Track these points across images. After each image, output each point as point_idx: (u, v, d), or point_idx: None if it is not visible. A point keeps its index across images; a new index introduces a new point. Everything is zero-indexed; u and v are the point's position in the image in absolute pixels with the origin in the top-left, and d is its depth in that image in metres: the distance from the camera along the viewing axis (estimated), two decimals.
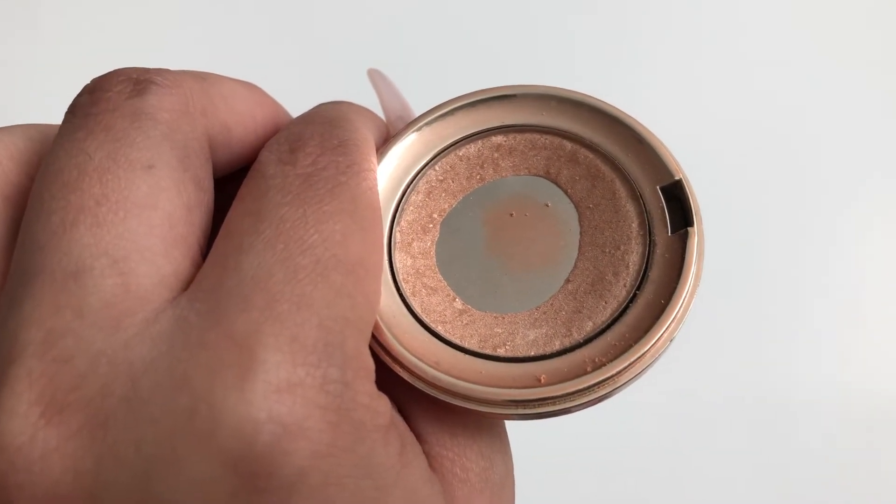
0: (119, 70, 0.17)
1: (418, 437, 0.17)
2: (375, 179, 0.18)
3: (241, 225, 0.16)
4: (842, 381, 0.46)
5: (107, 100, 0.16)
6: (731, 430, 0.46)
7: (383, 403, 0.15)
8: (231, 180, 0.19)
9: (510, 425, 0.19)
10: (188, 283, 0.16)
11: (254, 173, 0.17)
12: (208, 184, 0.18)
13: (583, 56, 0.51)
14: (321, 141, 0.17)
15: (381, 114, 0.22)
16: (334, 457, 0.14)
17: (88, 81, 0.17)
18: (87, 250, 0.15)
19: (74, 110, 0.17)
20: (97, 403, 0.14)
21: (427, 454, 0.17)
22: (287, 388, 0.14)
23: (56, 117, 0.19)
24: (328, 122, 0.18)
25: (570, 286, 0.19)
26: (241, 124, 0.19)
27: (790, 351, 0.47)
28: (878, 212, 0.49)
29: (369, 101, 0.21)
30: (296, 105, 0.21)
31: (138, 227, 0.15)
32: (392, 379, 0.18)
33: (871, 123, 0.50)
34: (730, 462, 0.45)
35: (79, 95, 0.17)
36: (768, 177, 0.49)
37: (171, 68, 0.18)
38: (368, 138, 0.18)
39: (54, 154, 0.16)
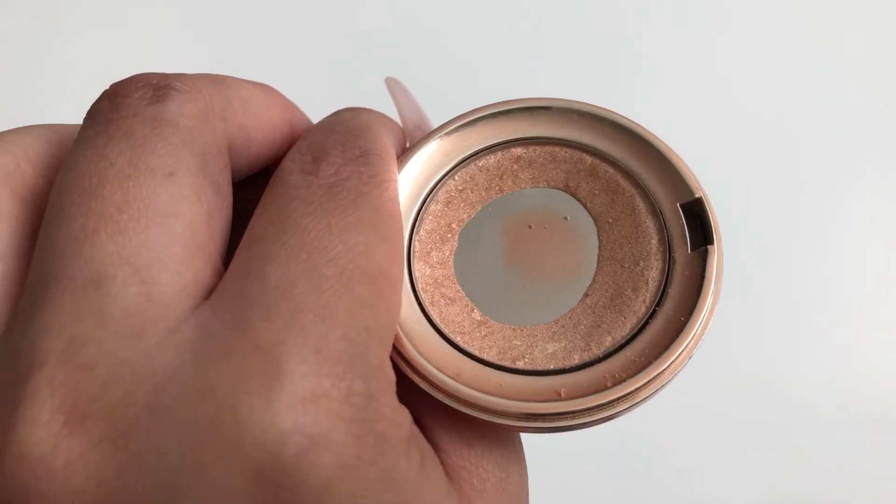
0: (138, 76, 0.17)
1: (435, 447, 0.17)
2: (397, 190, 0.18)
3: (264, 234, 0.16)
4: (853, 387, 0.47)
5: (127, 106, 0.16)
6: (737, 434, 0.46)
7: (405, 416, 0.15)
8: (247, 185, 0.19)
9: (524, 435, 0.19)
10: (209, 292, 0.15)
11: (277, 181, 0.17)
12: (227, 189, 0.17)
13: (606, 69, 0.51)
14: (343, 151, 0.17)
15: (398, 121, 0.22)
16: (359, 469, 0.14)
17: (108, 87, 0.17)
18: (108, 258, 0.14)
19: (94, 116, 0.16)
20: (120, 412, 0.14)
21: (444, 464, 0.17)
22: (312, 399, 0.14)
23: (63, 117, 0.19)
24: (350, 131, 0.18)
25: (588, 300, 0.19)
26: (259, 127, 0.19)
27: (814, 365, 0.47)
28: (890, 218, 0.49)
29: (386, 108, 0.21)
30: (314, 110, 0.21)
31: (160, 235, 0.15)
32: (410, 389, 0.17)
33: (889, 132, 0.50)
34: (733, 464, 0.46)
35: (98, 101, 0.17)
36: (789, 191, 0.49)
37: (191, 73, 0.18)
38: (389, 148, 0.18)
39: (74, 159, 0.16)
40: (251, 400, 0.13)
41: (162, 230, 0.15)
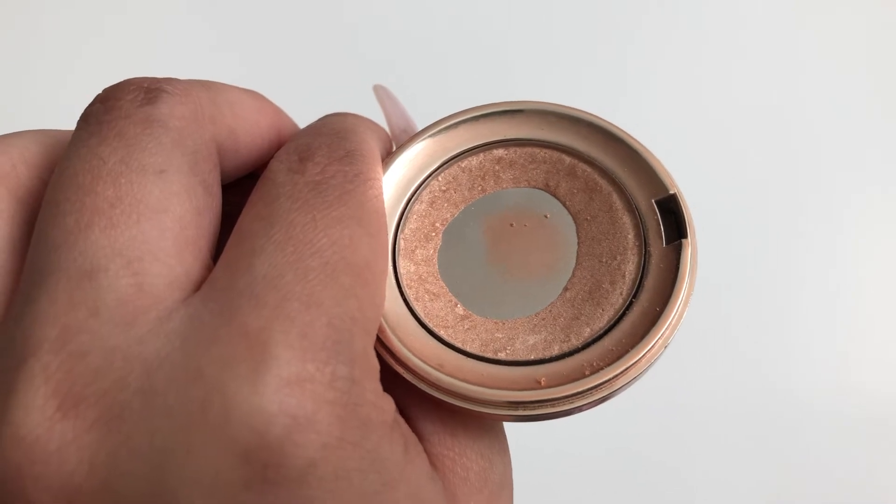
0: (130, 80, 0.18)
1: (420, 437, 0.18)
2: (381, 188, 0.18)
3: (252, 229, 0.16)
4: (835, 383, 0.47)
5: (119, 108, 0.17)
6: (728, 433, 0.47)
7: (388, 402, 0.16)
8: (235, 188, 0.20)
9: (509, 428, 0.20)
10: (198, 285, 0.16)
11: (264, 181, 0.18)
12: (217, 189, 0.18)
13: (583, 71, 0.52)
14: (329, 151, 0.18)
15: (385, 127, 0.23)
16: (343, 450, 0.14)
17: (100, 91, 0.18)
18: (101, 251, 0.15)
19: (88, 118, 0.17)
20: (112, 397, 0.14)
21: (428, 453, 0.18)
22: (297, 383, 0.14)
23: (61, 123, 0.20)
24: (335, 133, 0.19)
25: (568, 294, 0.19)
26: (247, 131, 0.19)
27: (784, 354, 0.48)
28: (871, 217, 0.50)
29: (374, 114, 0.22)
30: (303, 117, 0.22)
31: (151, 229, 0.16)
32: (395, 381, 0.18)
33: (864, 129, 0.51)
34: (729, 464, 0.46)
35: (91, 104, 0.17)
36: (761, 186, 0.50)
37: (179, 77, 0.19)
38: (374, 149, 0.19)
39: (68, 159, 0.16)
40: (238, 383, 0.14)
41: (153, 224, 0.16)
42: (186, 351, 0.14)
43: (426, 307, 0.19)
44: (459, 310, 0.19)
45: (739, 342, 0.47)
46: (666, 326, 0.18)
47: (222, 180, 0.19)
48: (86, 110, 0.17)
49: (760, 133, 0.51)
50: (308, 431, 0.14)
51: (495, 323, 0.19)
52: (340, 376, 0.15)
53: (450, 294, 0.20)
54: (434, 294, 0.19)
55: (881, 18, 0.53)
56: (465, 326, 0.19)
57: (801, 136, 0.51)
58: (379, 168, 0.19)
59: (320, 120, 0.20)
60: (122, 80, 0.18)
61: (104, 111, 0.17)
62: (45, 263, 0.15)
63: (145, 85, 0.18)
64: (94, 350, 0.14)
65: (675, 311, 0.18)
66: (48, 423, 0.14)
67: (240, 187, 0.20)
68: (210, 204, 0.17)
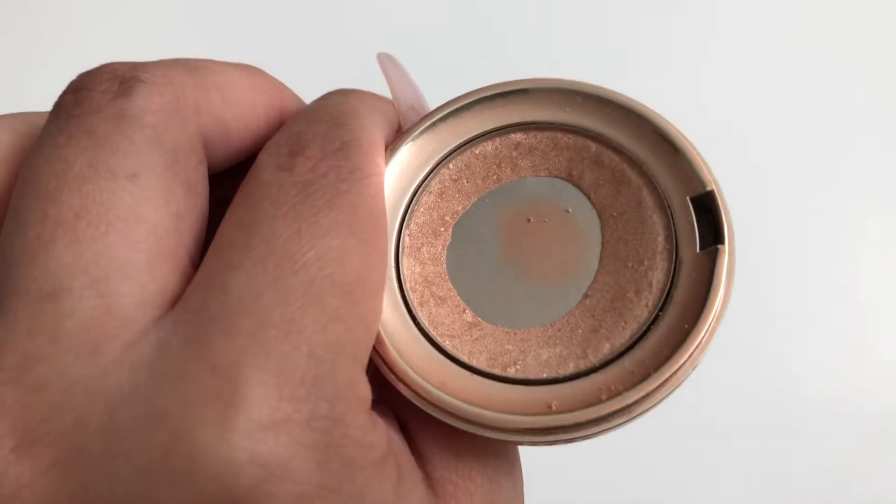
0: (105, 66, 0.16)
1: (421, 456, 0.17)
2: (381, 184, 0.17)
3: (232, 238, 0.15)
4: (835, 383, 0.45)
5: (90, 100, 0.15)
6: (728, 433, 0.45)
7: (377, 435, 0.15)
8: (238, 171, 0.18)
9: None
10: (178, 298, 0.15)
11: (250, 178, 0.16)
12: (202, 187, 0.16)
13: (613, 52, 0.49)
14: (323, 143, 0.16)
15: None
16: (322, 498, 0.13)
17: (75, 77, 0.16)
18: (64, 269, 0.14)
19: (58, 111, 0.16)
20: (71, 437, 0.13)
21: (429, 475, 0.16)
22: (271, 426, 0.13)
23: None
24: (332, 119, 0.17)
25: (588, 301, 0.17)
26: (240, 117, 0.18)
27: (784, 354, 0.46)
28: (871, 217, 0.48)
29: (379, 88, 0.20)
30: (303, 93, 0.20)
31: (121, 242, 0.14)
32: (396, 392, 0.17)
33: (865, 129, 0.49)
34: (729, 464, 0.45)
35: (63, 94, 0.16)
36: (760, 186, 0.47)
37: (165, 59, 0.17)
38: (376, 137, 0.17)
39: (33, 160, 0.15)
40: (205, 428, 0.13)
41: (123, 237, 0.14)
42: (152, 386, 0.13)
43: (431, 313, 0.18)
44: (468, 316, 0.18)
45: (739, 342, 0.44)
46: (695, 347, 0.16)
47: (214, 169, 0.18)
48: (57, 101, 0.16)
49: (760, 133, 0.48)
50: (281, 481, 0.13)
51: (506, 332, 0.17)
52: (321, 415, 0.13)
53: (458, 298, 0.18)
54: (440, 298, 0.18)
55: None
56: (474, 336, 0.17)
57: (800, 137, 0.48)
58: (381, 160, 0.17)
59: (320, 100, 0.18)
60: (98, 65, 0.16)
61: (74, 104, 0.16)
62: (5, 281, 0.14)
63: (120, 73, 0.16)
64: (53, 382, 0.13)
65: (705, 329, 0.16)
66: (3, 464, 0.13)
67: (241, 170, 0.18)
68: (193, 205, 0.16)
